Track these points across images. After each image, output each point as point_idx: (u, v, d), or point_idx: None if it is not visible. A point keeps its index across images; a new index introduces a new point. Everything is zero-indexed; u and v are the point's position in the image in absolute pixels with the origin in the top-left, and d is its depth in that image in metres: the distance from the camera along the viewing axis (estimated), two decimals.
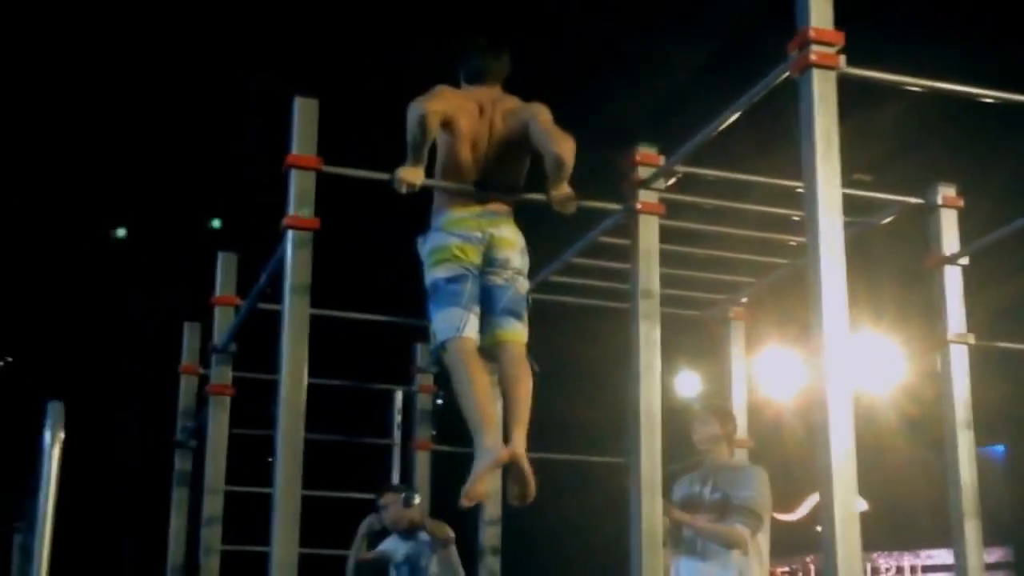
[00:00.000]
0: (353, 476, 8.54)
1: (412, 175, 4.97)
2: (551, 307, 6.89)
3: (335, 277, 6.42)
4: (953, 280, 5.66)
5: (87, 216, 15.54)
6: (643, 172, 5.38)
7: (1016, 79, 4.77)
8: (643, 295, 5.24)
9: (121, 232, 16.11)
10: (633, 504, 5.05)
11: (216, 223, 15.74)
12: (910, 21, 9.43)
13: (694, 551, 6.27)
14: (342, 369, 7.87)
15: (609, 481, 8.18)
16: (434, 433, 8.17)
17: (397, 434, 8.76)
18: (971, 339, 5.60)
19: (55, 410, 4.44)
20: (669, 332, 5.32)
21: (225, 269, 7.14)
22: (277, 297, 4.99)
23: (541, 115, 5.15)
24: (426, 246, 5.19)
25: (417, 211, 5.34)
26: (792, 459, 10.14)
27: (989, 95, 4.67)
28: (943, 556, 12.17)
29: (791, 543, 12.11)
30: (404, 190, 4.96)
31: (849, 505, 3.80)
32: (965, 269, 5.68)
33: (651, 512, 5.02)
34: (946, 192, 5.77)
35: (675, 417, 5.93)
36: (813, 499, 12.00)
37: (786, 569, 13.65)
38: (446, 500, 5.34)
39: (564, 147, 4.98)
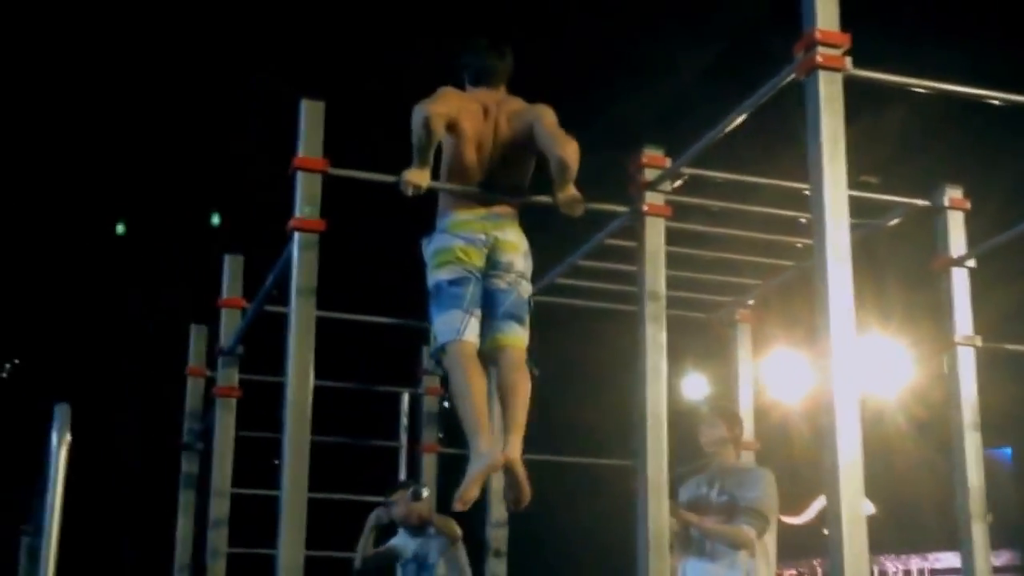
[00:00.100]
0: (360, 479, 8.54)
1: (418, 177, 4.97)
2: (558, 309, 6.89)
3: (341, 279, 6.42)
4: (960, 282, 5.65)
5: (91, 217, 15.56)
6: (649, 174, 5.37)
7: (1023, 80, 4.76)
8: (650, 297, 5.24)
9: (120, 228, 16.09)
10: (640, 506, 5.04)
11: (215, 219, 15.72)
12: (917, 23, 9.42)
13: (701, 552, 6.27)
14: (348, 371, 7.88)
15: (616, 483, 8.17)
16: (441, 435, 8.17)
17: (404, 436, 8.76)
18: (978, 341, 5.58)
19: (62, 413, 4.44)
20: (676, 334, 5.32)
21: (231, 271, 7.14)
22: (283, 299, 4.99)
23: (546, 117, 5.15)
24: (430, 247, 5.19)
25: (424, 213, 5.34)
26: (799, 462, 10.14)
27: (996, 96, 4.66)
28: (950, 559, 12.15)
29: (798, 546, 12.09)
30: (410, 192, 4.96)
31: (856, 508, 3.79)
32: (972, 271, 5.67)
33: (658, 514, 5.02)
34: (953, 194, 5.76)
35: (682, 419, 5.93)
36: (820, 502, 11.99)
37: (793, 572, 13.65)
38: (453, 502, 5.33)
39: (568, 150, 4.98)
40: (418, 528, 7.38)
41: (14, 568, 9.42)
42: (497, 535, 7.07)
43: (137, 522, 15.94)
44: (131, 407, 16.30)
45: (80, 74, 12.88)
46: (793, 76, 4.22)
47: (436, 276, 5.13)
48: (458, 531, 7.27)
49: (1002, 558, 11.60)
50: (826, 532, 3.84)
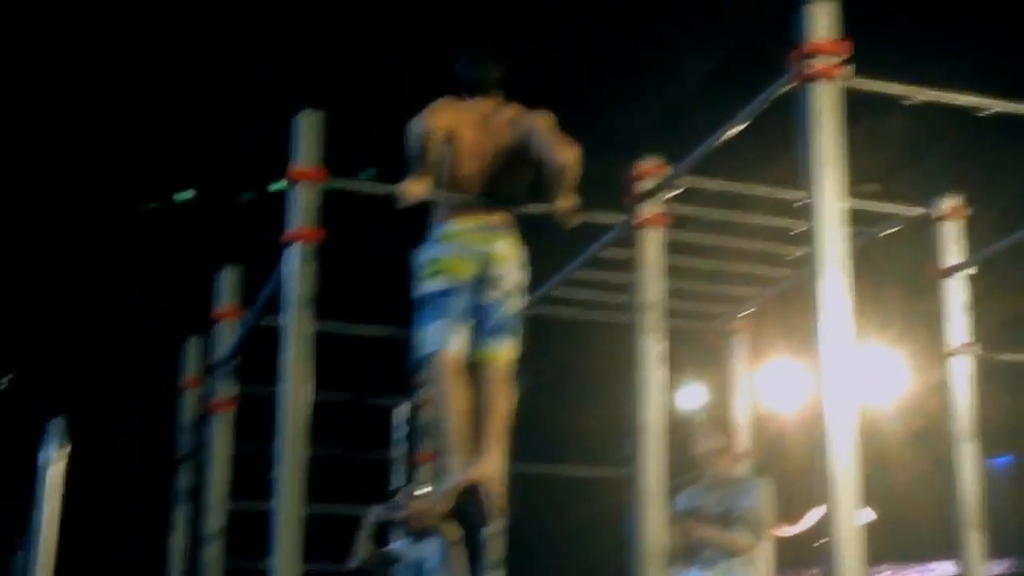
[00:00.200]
0: (355, 491, 8.51)
1: (416, 188, 4.96)
2: (554, 320, 6.87)
3: (336, 289, 6.40)
4: (958, 291, 5.64)
5: (88, 224, 15.55)
6: (646, 184, 5.36)
7: (1021, 89, 4.75)
8: (646, 308, 5.23)
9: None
10: (636, 517, 5.03)
11: (188, 195, 15.54)
12: (917, 31, 9.42)
13: (697, 560, 6.27)
14: (344, 382, 7.84)
15: (614, 493, 8.16)
16: None
17: (400, 448, 8.73)
18: (976, 350, 5.58)
19: (56, 427, 4.43)
20: (673, 344, 5.30)
21: (227, 283, 7.11)
22: (280, 310, 4.97)
23: (544, 124, 5.13)
24: (422, 256, 5.18)
25: (422, 223, 5.32)
26: (796, 472, 10.11)
27: (994, 105, 4.65)
28: (947, 568, 12.12)
29: (795, 556, 12.06)
30: (408, 203, 4.95)
31: (853, 518, 3.78)
32: (971, 279, 5.66)
33: (654, 525, 5.00)
34: (951, 203, 5.76)
35: (678, 430, 5.91)
36: (817, 512, 11.95)
37: None
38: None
39: (568, 154, 4.97)
40: (419, 533, 7.36)
41: None
42: (494, 545, 7.05)
43: (133, 535, 15.89)
44: (127, 420, 16.25)
45: (65, 104, 12.90)
46: (789, 86, 4.21)
47: (426, 285, 5.12)
48: (457, 536, 7.25)
49: (999, 567, 11.57)
50: (823, 542, 3.83)
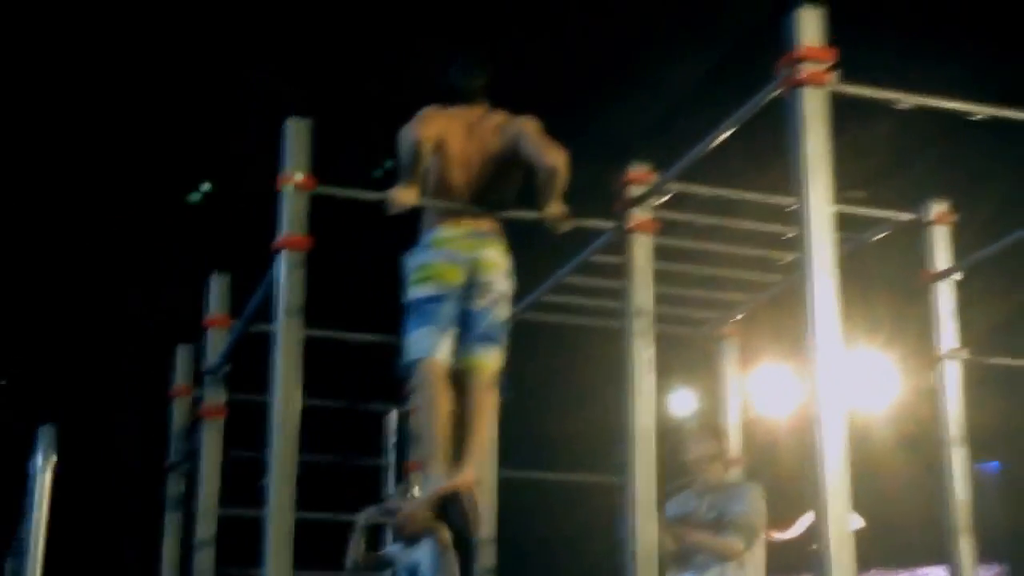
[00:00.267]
0: (346, 498, 8.50)
1: (405, 196, 4.97)
2: (544, 325, 6.87)
3: (326, 295, 6.40)
4: (946, 296, 5.66)
5: (81, 230, 15.52)
6: (636, 190, 5.37)
7: (1010, 94, 4.76)
8: (636, 314, 5.23)
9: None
10: (626, 524, 5.03)
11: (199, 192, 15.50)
12: (905, 37, 9.44)
13: (690, 565, 6.28)
14: (334, 389, 7.84)
15: (605, 499, 8.15)
16: None
17: (391, 454, 8.74)
18: (965, 355, 5.59)
19: (46, 434, 4.42)
20: (663, 350, 5.30)
21: (217, 290, 7.10)
22: (270, 317, 4.97)
23: (531, 128, 5.15)
24: (411, 262, 5.19)
25: (410, 228, 5.33)
26: (786, 477, 10.10)
27: (982, 111, 4.66)
28: (938, 573, 12.13)
29: (786, 562, 12.07)
30: (397, 210, 4.96)
31: (843, 523, 3.78)
32: (959, 285, 5.67)
33: (645, 531, 5.00)
34: (939, 208, 5.77)
35: (669, 436, 5.91)
36: (808, 517, 11.95)
37: None
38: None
39: (556, 158, 4.98)
40: (410, 538, 7.35)
41: None
42: (486, 552, 7.04)
43: (124, 542, 15.87)
44: (119, 427, 16.23)
45: (66, 105, 12.89)
46: (777, 92, 4.22)
47: (414, 292, 5.13)
48: (450, 541, 7.25)
49: (989, 572, 11.58)
50: (814, 547, 3.84)
